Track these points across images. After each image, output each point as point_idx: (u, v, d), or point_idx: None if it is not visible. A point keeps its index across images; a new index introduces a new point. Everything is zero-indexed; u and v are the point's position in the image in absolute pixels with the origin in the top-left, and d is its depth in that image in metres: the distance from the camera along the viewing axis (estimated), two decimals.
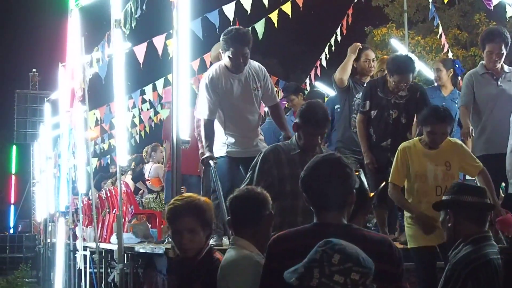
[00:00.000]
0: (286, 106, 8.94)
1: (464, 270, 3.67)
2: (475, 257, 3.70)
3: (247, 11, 8.92)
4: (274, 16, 9.65)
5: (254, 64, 6.22)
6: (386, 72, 6.34)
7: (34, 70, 31.77)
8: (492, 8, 9.02)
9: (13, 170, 34.20)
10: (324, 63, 12.86)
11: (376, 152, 6.36)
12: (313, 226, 3.02)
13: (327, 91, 15.54)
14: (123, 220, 8.13)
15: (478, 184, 5.17)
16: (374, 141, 6.38)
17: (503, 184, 6.30)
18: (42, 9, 31.23)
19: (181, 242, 3.64)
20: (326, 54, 12.76)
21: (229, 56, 5.95)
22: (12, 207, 33.80)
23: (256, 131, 6.28)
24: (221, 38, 6.02)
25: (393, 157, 5.66)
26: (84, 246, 10.66)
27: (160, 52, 9.08)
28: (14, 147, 33.59)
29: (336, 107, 7.56)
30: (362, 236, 2.94)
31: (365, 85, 6.56)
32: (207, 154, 5.95)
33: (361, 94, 6.70)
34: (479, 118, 6.57)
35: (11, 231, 31.97)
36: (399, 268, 2.97)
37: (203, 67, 11.04)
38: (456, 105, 7.15)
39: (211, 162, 5.89)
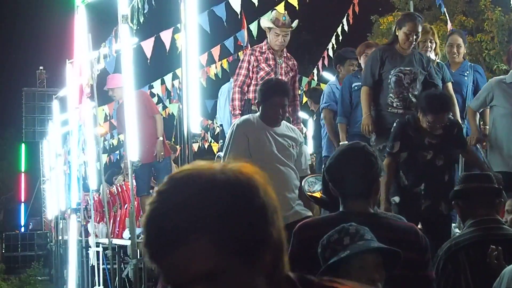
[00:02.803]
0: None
1: (445, 253, 3.66)
2: (464, 239, 3.69)
3: (254, 4, 8.90)
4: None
5: (290, 125, 5.76)
6: (419, 110, 5.54)
7: (41, 67, 31.88)
8: None
9: (23, 168, 34.34)
10: (331, 53, 12.80)
11: (407, 200, 5.50)
12: (339, 215, 3.07)
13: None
14: (135, 215, 8.14)
15: None
16: (406, 186, 5.54)
17: None
18: (48, 7, 31.36)
19: None
20: (333, 44, 12.73)
21: (268, 107, 5.30)
22: (22, 205, 33.95)
23: (292, 190, 5.30)
24: (258, 89, 5.57)
25: (427, 204, 5.30)
26: (96, 242, 10.69)
27: (167, 47, 9.07)
28: (23, 145, 33.71)
29: (353, 85, 7.10)
30: (387, 224, 3.00)
31: (394, 124, 5.65)
32: None
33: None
34: (499, 130, 6.32)
35: (22, 229, 32.13)
36: (425, 256, 3.00)
37: (210, 61, 11.06)
38: (466, 78, 6.96)
39: None
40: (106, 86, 8.98)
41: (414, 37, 6.20)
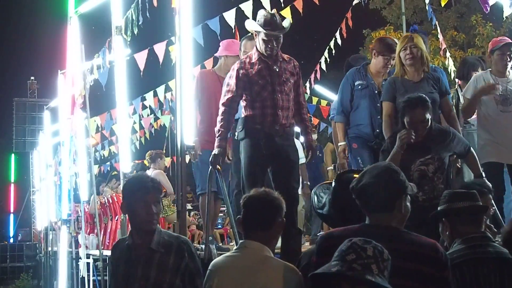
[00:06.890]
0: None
1: None
2: (457, 256, 3.72)
3: (248, 18, 8.89)
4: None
5: None
6: None
7: (32, 78, 31.81)
8: (489, 9, 8.97)
9: (12, 178, 34.16)
10: (324, 66, 12.84)
11: None
12: (363, 227, 3.21)
13: (327, 94, 15.58)
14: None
15: None
16: None
17: None
18: (41, 17, 31.28)
19: None
20: (326, 58, 12.76)
21: None
22: (11, 216, 33.72)
23: None
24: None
25: None
26: (86, 254, 10.65)
27: (161, 59, 9.07)
28: (13, 156, 33.55)
29: (356, 83, 6.55)
30: (409, 239, 3.13)
31: None
32: None
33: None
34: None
35: (11, 240, 31.90)
36: (443, 272, 3.11)
37: None
38: None
39: None
40: (219, 53, 7.32)
41: (423, 124, 5.32)
